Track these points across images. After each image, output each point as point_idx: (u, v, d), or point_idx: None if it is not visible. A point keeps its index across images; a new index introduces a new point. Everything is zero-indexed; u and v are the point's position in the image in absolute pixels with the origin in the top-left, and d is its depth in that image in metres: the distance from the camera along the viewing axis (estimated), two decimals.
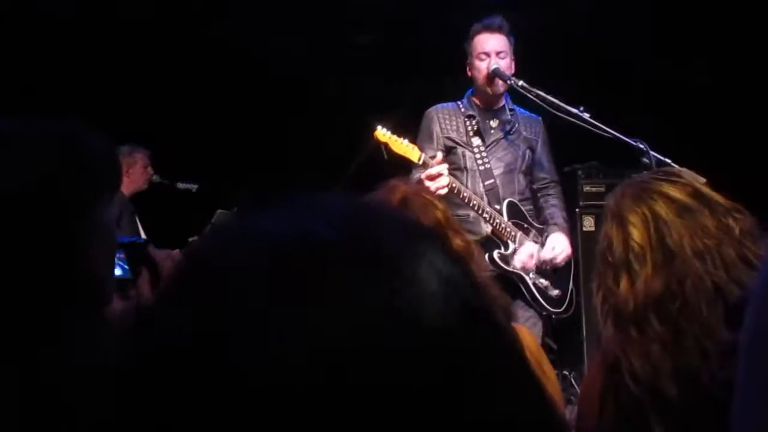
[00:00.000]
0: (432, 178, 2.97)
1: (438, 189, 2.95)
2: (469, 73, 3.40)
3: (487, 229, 3.28)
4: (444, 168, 3.01)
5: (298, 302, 0.43)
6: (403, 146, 3.05)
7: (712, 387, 1.28)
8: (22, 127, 0.94)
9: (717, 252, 1.41)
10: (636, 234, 1.48)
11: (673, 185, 1.51)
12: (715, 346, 1.31)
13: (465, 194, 3.14)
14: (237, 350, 0.42)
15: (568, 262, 3.56)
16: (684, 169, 1.65)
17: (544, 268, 3.42)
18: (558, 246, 3.38)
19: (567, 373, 4.43)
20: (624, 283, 1.46)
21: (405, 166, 3.31)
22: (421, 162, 3.05)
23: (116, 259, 1.11)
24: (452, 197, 3.08)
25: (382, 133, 3.05)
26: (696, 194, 1.49)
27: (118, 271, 1.21)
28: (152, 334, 0.46)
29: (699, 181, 1.56)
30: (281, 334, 0.42)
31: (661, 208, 1.48)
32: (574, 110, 3.00)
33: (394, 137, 3.05)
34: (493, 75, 3.28)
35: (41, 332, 0.85)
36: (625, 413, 1.38)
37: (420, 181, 2.99)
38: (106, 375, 0.80)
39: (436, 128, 3.36)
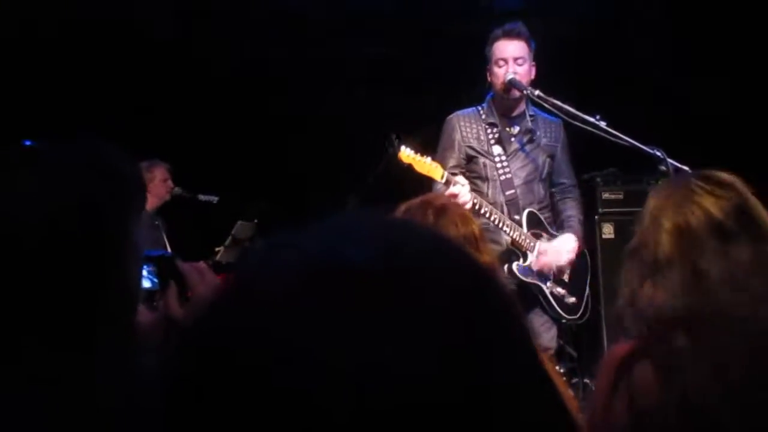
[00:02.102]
0: (454, 196, 3.01)
1: (462, 205, 2.99)
2: (489, 79, 3.41)
3: (507, 240, 3.30)
4: (464, 186, 3.05)
5: (328, 327, 0.45)
6: (426, 165, 3.08)
7: (721, 417, 1.25)
8: (58, 149, 0.97)
9: (745, 283, 1.36)
10: (666, 243, 1.43)
11: (717, 200, 1.44)
12: (732, 374, 1.26)
13: (485, 210, 3.16)
14: (270, 372, 0.44)
15: (584, 269, 3.56)
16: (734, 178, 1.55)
17: (563, 272, 3.43)
18: (562, 246, 3.37)
19: (588, 381, 4.42)
20: (647, 290, 1.42)
21: (422, 179, 3.34)
22: (443, 180, 3.08)
23: (146, 272, 1.15)
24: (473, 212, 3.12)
25: (406, 155, 3.07)
26: (738, 212, 1.43)
27: (147, 284, 1.25)
28: (192, 352, 0.48)
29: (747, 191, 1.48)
30: (314, 361, 0.44)
31: (699, 224, 1.42)
32: (591, 119, 3.01)
33: (418, 157, 3.07)
34: (509, 85, 3.29)
35: (79, 344, 0.89)
36: (637, 416, 1.34)
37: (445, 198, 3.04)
38: (139, 386, 0.83)
39: (458, 136, 3.38)
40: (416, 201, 1.87)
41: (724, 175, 1.49)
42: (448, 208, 1.80)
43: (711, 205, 1.44)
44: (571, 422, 0.52)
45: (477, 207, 3.12)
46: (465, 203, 3.01)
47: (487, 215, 3.16)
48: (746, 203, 1.45)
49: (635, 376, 1.35)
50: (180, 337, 0.50)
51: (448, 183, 3.07)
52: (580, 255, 3.53)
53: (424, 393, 0.44)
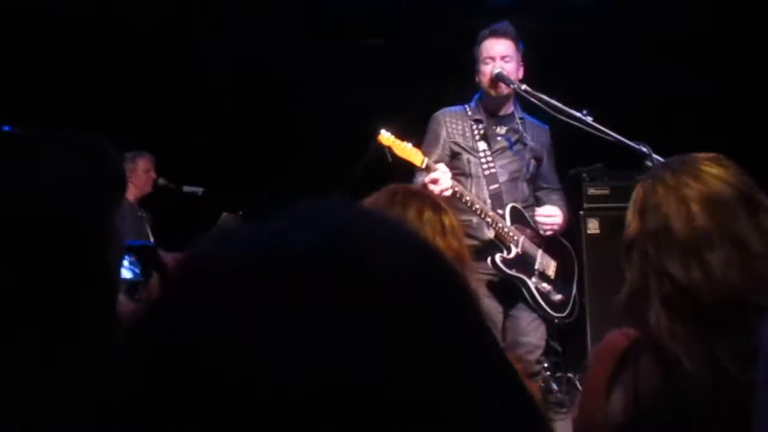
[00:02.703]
0: (435, 182, 3.01)
1: (442, 192, 2.98)
2: (477, 79, 3.42)
3: (489, 233, 3.29)
4: (445, 172, 3.04)
5: (271, 313, 0.44)
6: (406, 150, 3.08)
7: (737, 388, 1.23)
8: (38, 136, 0.96)
9: None
10: (701, 217, 1.34)
11: (725, 169, 1.39)
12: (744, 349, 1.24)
13: (468, 198, 3.16)
14: (210, 354, 0.43)
15: (571, 267, 3.56)
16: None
17: (549, 270, 3.43)
18: (552, 210, 3.38)
19: (572, 375, 4.44)
20: (695, 270, 1.32)
21: (410, 169, 3.33)
22: (424, 166, 3.08)
23: (127, 263, 1.13)
24: (456, 202, 3.10)
25: (385, 137, 3.08)
26: (750, 183, 1.38)
27: (129, 274, 1.23)
28: (145, 334, 0.48)
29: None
30: (250, 343, 0.43)
31: (724, 190, 1.36)
32: (577, 114, 3.01)
33: (398, 141, 3.08)
34: (496, 79, 3.30)
35: (62, 330, 0.88)
36: (646, 407, 1.30)
37: (424, 186, 3.01)
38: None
39: (443, 132, 3.38)
40: (385, 188, 1.82)
41: (718, 155, 1.45)
42: (417, 194, 1.75)
43: (726, 174, 1.38)
44: (534, 413, 0.51)
45: (459, 195, 3.11)
46: (445, 189, 3.01)
47: (469, 204, 3.15)
48: (750, 180, 1.40)
49: (644, 365, 1.31)
50: (126, 331, 0.49)
51: (428, 169, 3.07)
52: (566, 254, 3.54)
53: (368, 381, 0.43)
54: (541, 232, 3.38)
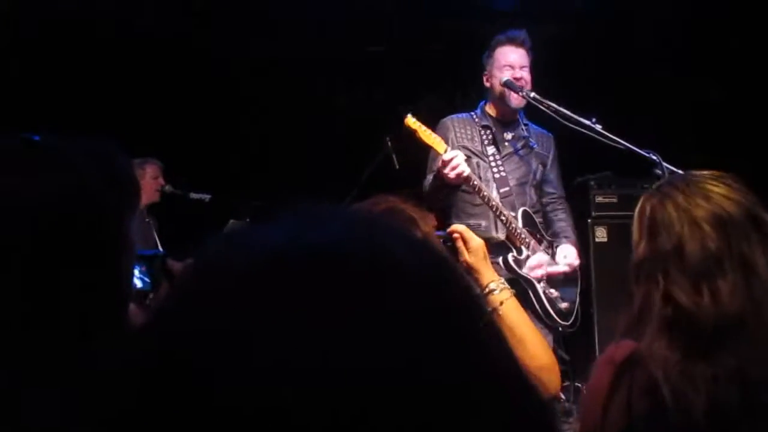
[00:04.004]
0: (448, 164, 3.00)
1: (458, 175, 2.98)
2: (487, 84, 3.42)
3: (500, 235, 3.29)
4: (461, 158, 3.03)
5: (288, 310, 0.43)
6: (431, 137, 3.10)
7: (746, 418, 1.23)
8: (57, 142, 0.97)
9: None
10: (715, 238, 1.33)
11: (730, 189, 1.38)
12: (762, 377, 1.24)
13: (485, 193, 3.16)
14: (229, 357, 0.42)
15: (574, 277, 3.56)
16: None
17: (554, 279, 3.42)
18: (569, 256, 3.39)
19: (579, 385, 4.41)
20: (706, 296, 1.30)
21: (417, 173, 3.33)
22: (447, 155, 3.07)
23: (137, 272, 1.13)
24: (467, 206, 3.11)
25: (412, 121, 3.10)
26: (756, 203, 1.38)
27: (139, 283, 1.23)
28: (154, 336, 0.46)
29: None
30: (264, 346, 0.42)
31: (733, 209, 1.35)
32: (586, 122, 3.01)
33: (424, 127, 3.09)
34: (505, 86, 3.30)
35: (72, 337, 0.88)
36: (638, 421, 1.31)
37: (439, 168, 3.01)
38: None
39: (452, 136, 3.38)
40: (369, 199, 1.83)
41: (723, 173, 1.44)
42: (394, 208, 1.75)
43: (729, 193, 1.38)
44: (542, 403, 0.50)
45: (476, 188, 3.11)
46: (461, 173, 3.00)
47: (486, 199, 3.15)
48: (755, 198, 1.40)
49: (635, 380, 1.32)
50: (137, 333, 0.48)
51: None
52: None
53: (381, 386, 0.42)
54: (561, 275, 3.39)
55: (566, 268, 3.37)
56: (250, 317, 0.43)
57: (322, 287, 0.44)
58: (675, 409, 1.26)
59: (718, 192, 1.38)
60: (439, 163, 3.05)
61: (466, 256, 1.79)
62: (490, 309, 1.66)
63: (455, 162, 3.00)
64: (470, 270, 1.79)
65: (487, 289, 1.75)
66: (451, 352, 0.45)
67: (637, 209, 1.48)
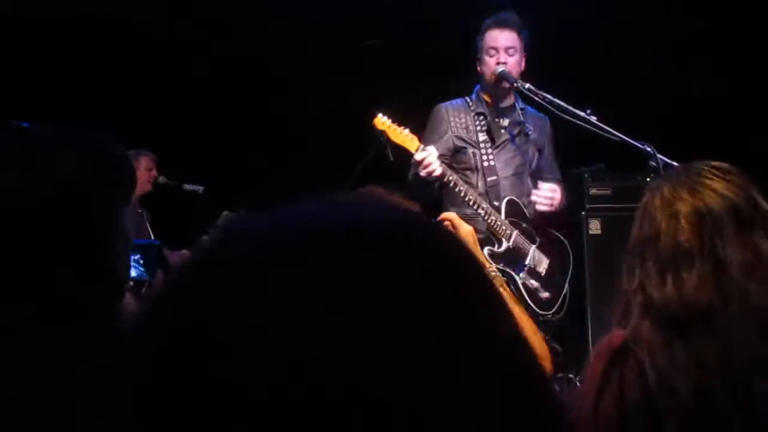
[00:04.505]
0: (419, 164, 2.98)
1: (429, 173, 2.97)
2: (479, 69, 3.39)
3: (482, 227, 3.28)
4: (431, 154, 3.01)
5: (320, 288, 0.42)
6: (401, 136, 3.04)
7: (731, 403, 1.24)
8: (50, 132, 0.96)
9: (765, 271, 1.33)
10: (688, 230, 1.37)
11: (728, 183, 1.41)
12: (744, 363, 1.26)
13: (461, 188, 3.13)
14: (230, 339, 0.41)
15: (566, 264, 3.55)
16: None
17: (543, 268, 3.40)
18: (550, 185, 3.36)
19: (572, 376, 4.42)
20: (669, 285, 1.36)
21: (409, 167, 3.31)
22: (418, 155, 3.05)
23: (132, 261, 1.13)
24: (451, 194, 3.10)
25: (381, 121, 3.05)
26: (751, 199, 1.40)
27: (134, 273, 1.22)
28: (169, 310, 0.45)
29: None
30: (280, 330, 0.41)
31: (718, 206, 1.38)
32: (581, 113, 3.01)
33: (394, 126, 3.04)
34: (500, 77, 3.28)
35: (67, 325, 0.88)
36: (631, 407, 1.33)
37: (414, 166, 2.99)
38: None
39: (446, 127, 3.35)
40: (352, 193, 1.84)
41: (727, 165, 1.47)
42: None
43: (724, 188, 1.40)
44: (556, 412, 0.51)
45: (453, 184, 3.07)
46: (432, 171, 2.98)
47: (463, 194, 3.12)
48: (755, 191, 1.42)
49: (627, 367, 1.34)
50: (144, 308, 0.47)
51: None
52: (563, 252, 3.53)
53: (414, 363, 0.41)
54: (538, 207, 3.35)
55: (548, 193, 3.33)
56: (282, 290, 0.42)
57: (362, 262, 0.44)
58: (660, 392, 1.29)
59: (707, 185, 1.41)
60: (412, 162, 3.04)
61: None
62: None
63: (426, 161, 2.98)
64: None
65: None
66: (480, 324, 0.46)
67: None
